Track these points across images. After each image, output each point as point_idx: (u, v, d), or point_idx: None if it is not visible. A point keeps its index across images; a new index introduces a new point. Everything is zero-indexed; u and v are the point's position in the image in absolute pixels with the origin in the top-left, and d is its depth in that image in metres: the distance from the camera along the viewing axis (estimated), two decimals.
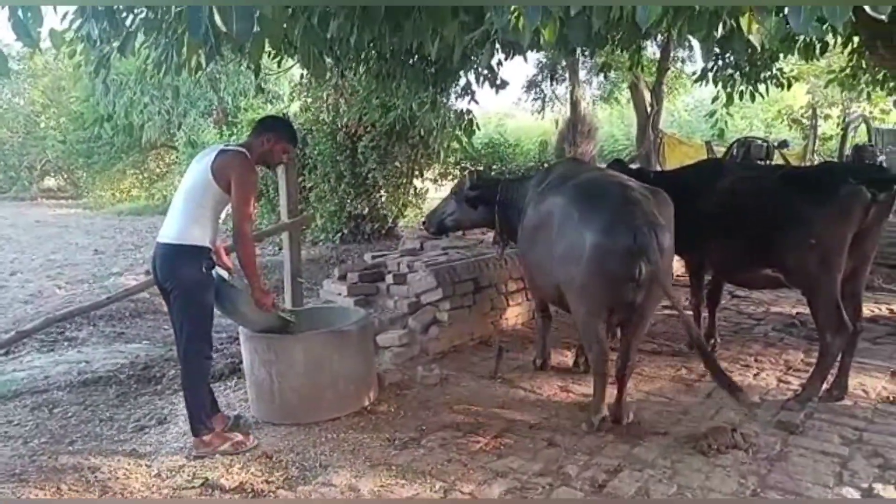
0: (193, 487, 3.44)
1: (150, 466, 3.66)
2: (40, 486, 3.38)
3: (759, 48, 5.26)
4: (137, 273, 9.37)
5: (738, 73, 6.73)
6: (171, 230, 3.74)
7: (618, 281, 3.70)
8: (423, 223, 5.54)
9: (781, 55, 6.76)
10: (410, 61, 5.97)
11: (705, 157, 9.26)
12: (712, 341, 5.19)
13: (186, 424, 3.94)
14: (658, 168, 9.66)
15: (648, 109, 10.90)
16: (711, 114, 8.09)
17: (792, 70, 8.36)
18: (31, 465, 3.63)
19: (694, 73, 7.48)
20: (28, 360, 5.75)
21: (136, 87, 10.87)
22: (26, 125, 21.03)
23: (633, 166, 8.60)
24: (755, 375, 4.78)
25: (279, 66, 5.99)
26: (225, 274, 4.05)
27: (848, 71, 7.63)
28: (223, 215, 3.88)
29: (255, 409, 4.26)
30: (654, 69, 10.82)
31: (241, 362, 4.53)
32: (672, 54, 11.03)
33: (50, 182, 23.07)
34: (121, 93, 12.17)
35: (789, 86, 7.29)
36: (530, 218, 4.40)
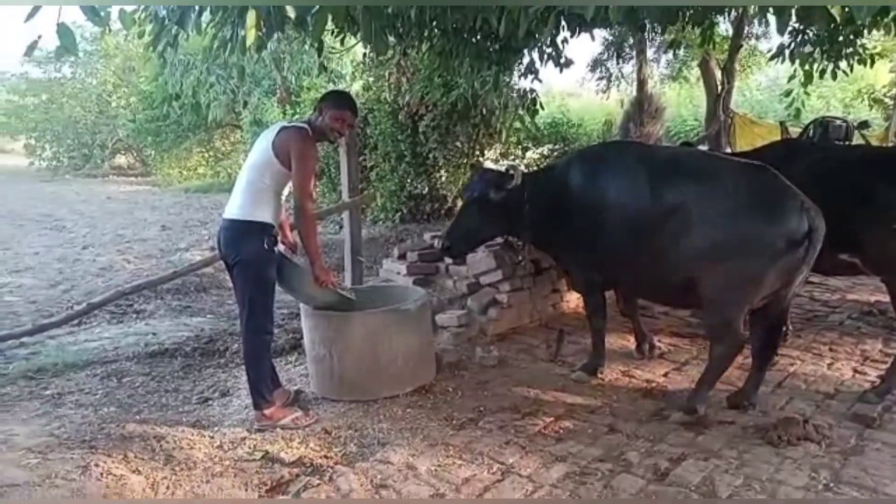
0: (254, 460, 3.49)
1: (212, 438, 3.73)
2: (108, 453, 3.46)
3: (839, 22, 5.01)
4: (203, 248, 9.58)
5: (817, 49, 6.41)
6: (234, 207, 3.78)
7: (793, 266, 3.59)
8: (442, 245, 4.49)
9: (866, 30, 6.41)
10: (474, 39, 5.87)
11: (779, 138, 8.90)
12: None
13: (248, 398, 3.99)
14: (728, 150, 9.34)
15: (719, 88, 10.52)
16: (787, 93, 7.77)
17: (875, 46, 7.93)
18: (101, 433, 3.73)
19: (769, 51, 7.17)
20: (98, 331, 5.94)
21: (202, 66, 11.06)
22: (98, 104, 21.70)
23: (702, 148, 8.36)
24: (829, 365, 4.58)
25: (342, 45, 5.98)
26: (287, 252, 4.08)
27: None
28: (286, 192, 3.90)
29: (314, 385, 4.30)
30: (725, 46, 10.41)
31: (301, 338, 4.57)
32: (746, 30, 10.61)
33: (121, 160, 23.81)
34: (188, 72, 12.42)
35: (873, 62, 6.91)
36: (610, 209, 4.02)
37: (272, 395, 3.92)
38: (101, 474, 3.24)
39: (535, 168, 5.52)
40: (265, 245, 3.73)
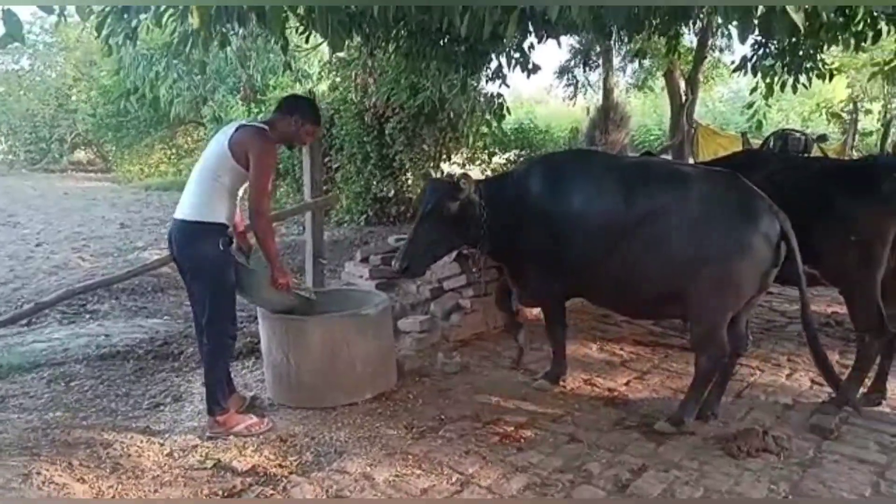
0: (205, 468, 3.38)
1: (163, 445, 3.61)
2: (52, 460, 3.33)
3: (801, 35, 5.05)
4: (161, 248, 9.33)
5: (778, 62, 6.49)
6: (187, 206, 3.66)
7: (768, 269, 3.61)
8: (399, 266, 4.19)
9: (825, 45, 6.51)
10: (441, 41, 5.81)
11: (740, 148, 9.02)
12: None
13: (202, 403, 3.89)
14: (691, 160, 9.43)
15: (683, 99, 10.64)
16: (750, 105, 7.87)
17: (833, 62, 8.07)
18: (45, 439, 3.59)
19: (733, 63, 7.24)
20: (48, 332, 5.75)
21: (163, 61, 10.84)
22: (58, 98, 21.16)
23: (664, 157, 8.42)
24: (788, 376, 4.60)
25: (307, 43, 5.89)
26: (241, 255, 3.96)
27: (894, 63, 7.33)
28: (241, 192, 3.80)
29: (271, 391, 4.20)
30: (690, 57, 10.54)
31: (259, 342, 4.45)
32: (710, 42, 10.75)
33: (80, 155, 23.25)
34: (149, 67, 12.15)
35: (831, 77, 7.02)
36: (578, 216, 3.94)
37: (227, 402, 3.81)
38: (43, 482, 3.12)
39: (491, 175, 5.36)
40: (220, 246, 3.62)
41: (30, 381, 4.55)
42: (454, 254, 5.07)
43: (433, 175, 4.15)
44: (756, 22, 3.17)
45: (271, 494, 3.13)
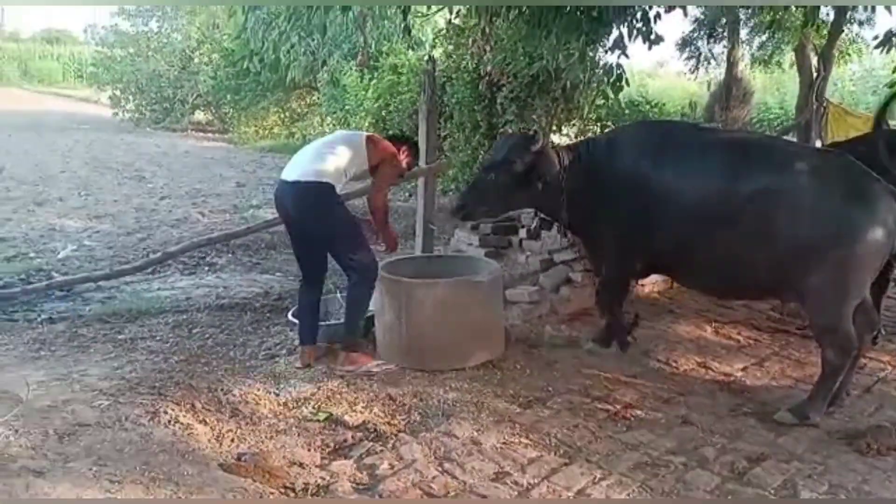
0: (318, 420, 3.48)
1: (278, 395, 3.74)
2: (177, 401, 3.51)
3: None
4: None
5: None
6: (311, 169, 3.99)
7: (885, 254, 3.44)
8: (453, 207, 4.28)
9: None
10: (566, 8, 5.66)
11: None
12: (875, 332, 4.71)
13: None
14: (818, 142, 8.87)
15: (814, 75, 9.98)
16: (891, 84, 7.28)
17: None
18: (170, 381, 3.79)
19: (876, 38, 6.72)
20: (172, 281, 6.07)
21: (285, 25, 11.08)
22: (182, 60, 22.07)
23: (787, 138, 7.96)
24: None
25: (428, 9, 5.86)
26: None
27: None
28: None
29: (381, 350, 4.26)
30: (825, 31, 9.86)
31: None
32: (849, 14, 10.01)
33: (199, 116, 24.26)
34: (270, 30, 12.46)
35: None
36: (680, 193, 3.78)
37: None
38: (169, 421, 3.29)
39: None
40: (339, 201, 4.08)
41: (156, 326, 4.81)
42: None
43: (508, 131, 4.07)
44: None
45: (381, 451, 3.19)
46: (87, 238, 7.70)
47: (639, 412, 3.62)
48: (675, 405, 3.73)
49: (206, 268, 6.62)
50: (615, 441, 3.30)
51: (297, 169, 4.06)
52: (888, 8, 6.49)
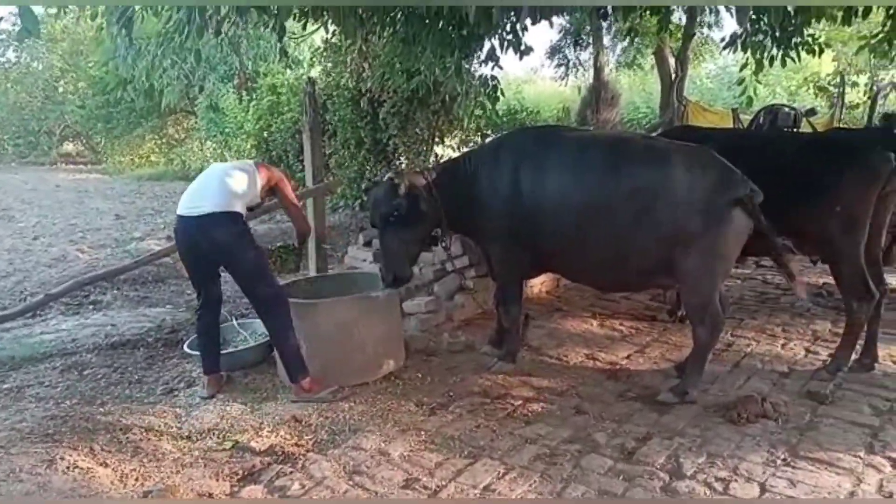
0: (224, 449, 3.48)
1: (180, 428, 3.71)
2: (73, 446, 3.42)
3: (791, 12, 5.13)
4: (159, 238, 9.39)
5: (768, 38, 6.56)
6: (218, 200, 3.96)
7: (745, 236, 3.77)
8: (387, 282, 4.26)
9: (814, 20, 6.59)
10: (438, 25, 5.86)
11: (731, 125, 9.11)
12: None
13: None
14: None
15: (673, 76, 10.70)
16: (740, 81, 7.92)
17: (820, 36, 8.15)
18: (65, 426, 3.67)
19: (722, 40, 7.31)
20: (54, 323, 5.81)
21: (156, 50, 10.80)
22: (45, 90, 21.03)
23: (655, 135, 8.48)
24: (783, 346, 4.75)
25: (304, 30, 5.92)
26: None
27: (881, 37, 7.41)
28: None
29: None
30: (679, 35, 10.60)
31: None
32: (698, 19, 10.81)
33: (69, 147, 23.14)
34: (140, 56, 12.09)
35: (821, 52, 7.11)
36: (559, 193, 3.99)
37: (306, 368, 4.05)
38: (68, 468, 3.21)
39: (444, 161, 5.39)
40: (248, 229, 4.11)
41: (43, 371, 4.62)
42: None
43: (376, 181, 4.07)
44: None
45: (290, 472, 3.23)
46: None
47: (535, 407, 3.83)
48: (568, 397, 3.97)
49: (91, 306, 6.38)
50: (515, 437, 3.48)
51: (200, 201, 3.97)
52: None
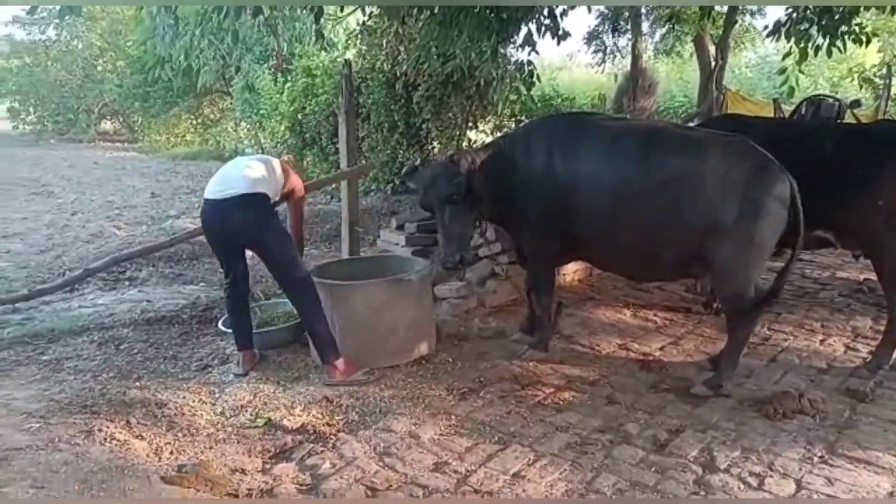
0: (257, 427, 3.52)
1: (214, 404, 3.76)
2: (110, 418, 3.48)
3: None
4: (194, 216, 9.47)
5: (814, 27, 6.39)
6: (246, 182, 4.00)
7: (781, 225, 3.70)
8: (454, 263, 4.12)
9: (862, 8, 6.41)
10: (475, 8, 5.81)
11: (772, 115, 8.92)
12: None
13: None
14: None
15: (712, 64, 10.51)
16: (782, 71, 7.74)
17: (867, 26, 7.93)
18: (102, 398, 3.74)
19: (765, 27, 7.15)
20: (92, 298, 5.90)
21: (194, 30, 10.88)
22: (84, 68, 21.32)
23: (692, 124, 8.35)
24: (821, 342, 4.65)
25: (341, 11, 5.90)
26: None
27: None
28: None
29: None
30: (721, 22, 10.40)
31: None
32: (741, 5, 10.58)
33: (106, 125, 23.47)
34: (178, 36, 12.18)
35: (868, 42, 6.91)
36: (593, 180, 3.94)
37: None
38: (105, 439, 3.26)
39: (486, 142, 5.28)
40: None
41: (81, 345, 4.70)
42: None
43: (416, 165, 3.90)
44: None
45: (321, 451, 3.26)
46: None
47: (566, 395, 3.81)
48: (599, 386, 3.94)
49: (127, 282, 6.47)
50: (546, 424, 3.47)
51: (227, 185, 4.01)
52: None
